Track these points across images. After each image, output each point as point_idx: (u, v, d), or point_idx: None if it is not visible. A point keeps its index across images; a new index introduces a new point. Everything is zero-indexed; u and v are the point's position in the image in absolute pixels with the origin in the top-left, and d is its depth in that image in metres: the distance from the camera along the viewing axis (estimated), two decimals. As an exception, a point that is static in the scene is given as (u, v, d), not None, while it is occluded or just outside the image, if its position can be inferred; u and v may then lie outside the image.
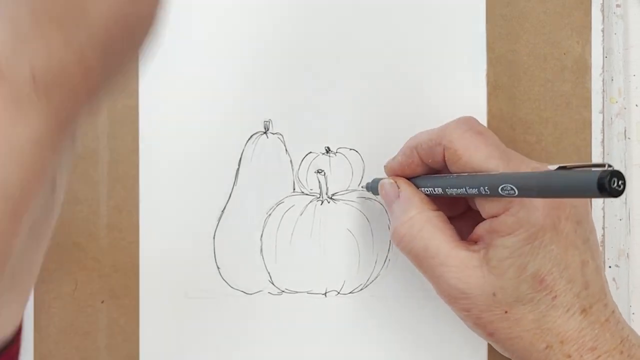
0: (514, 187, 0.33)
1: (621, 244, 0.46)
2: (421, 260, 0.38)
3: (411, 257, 0.38)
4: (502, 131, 0.45)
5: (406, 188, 0.40)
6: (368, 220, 0.44)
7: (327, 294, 0.44)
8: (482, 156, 0.37)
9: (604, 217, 0.46)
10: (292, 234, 0.44)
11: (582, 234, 0.37)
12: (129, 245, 0.42)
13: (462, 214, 0.41)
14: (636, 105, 0.47)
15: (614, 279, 0.46)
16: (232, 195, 0.43)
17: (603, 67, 0.46)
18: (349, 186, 0.44)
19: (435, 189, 0.38)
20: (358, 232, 0.44)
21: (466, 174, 0.37)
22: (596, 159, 0.45)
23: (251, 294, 0.43)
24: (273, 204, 0.44)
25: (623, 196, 0.46)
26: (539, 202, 0.35)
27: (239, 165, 0.43)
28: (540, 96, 0.45)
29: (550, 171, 0.32)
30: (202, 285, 0.43)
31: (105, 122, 0.42)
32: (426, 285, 0.40)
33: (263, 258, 0.43)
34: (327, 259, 0.44)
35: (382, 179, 0.42)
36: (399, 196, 0.40)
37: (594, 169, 0.30)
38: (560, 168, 0.31)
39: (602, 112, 0.46)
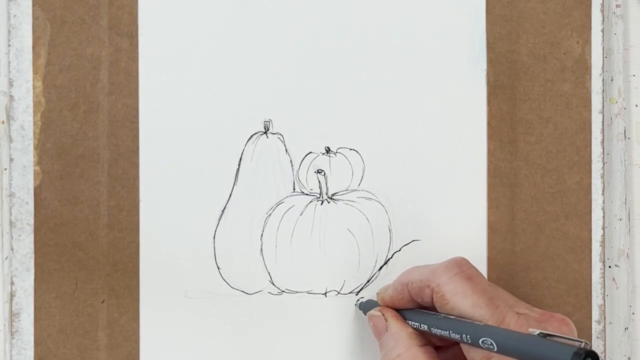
0: (493, 343, 0.34)
1: (621, 244, 0.46)
2: None
3: None
4: (502, 131, 0.45)
5: (394, 323, 0.40)
6: (368, 220, 0.44)
7: (327, 294, 0.44)
8: (469, 304, 0.37)
9: (604, 217, 0.45)
10: (292, 234, 0.44)
11: None
12: (129, 245, 0.42)
13: (453, 344, 0.41)
14: (636, 106, 0.47)
15: (613, 279, 0.46)
16: (232, 195, 0.43)
17: (603, 67, 0.46)
18: (349, 186, 0.44)
19: (422, 325, 0.39)
20: (358, 232, 0.44)
21: (452, 317, 0.37)
22: (596, 159, 0.45)
23: (251, 294, 0.43)
24: (273, 204, 0.44)
25: (623, 196, 0.46)
26: None
27: (239, 165, 0.43)
28: (540, 96, 0.45)
29: (530, 335, 0.33)
30: (202, 285, 0.43)
31: (105, 122, 0.42)
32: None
33: (263, 258, 0.43)
34: (327, 259, 0.44)
35: (374, 302, 0.42)
36: (387, 329, 0.40)
37: (572, 343, 0.32)
38: (541, 334, 0.33)
39: (602, 112, 0.46)
